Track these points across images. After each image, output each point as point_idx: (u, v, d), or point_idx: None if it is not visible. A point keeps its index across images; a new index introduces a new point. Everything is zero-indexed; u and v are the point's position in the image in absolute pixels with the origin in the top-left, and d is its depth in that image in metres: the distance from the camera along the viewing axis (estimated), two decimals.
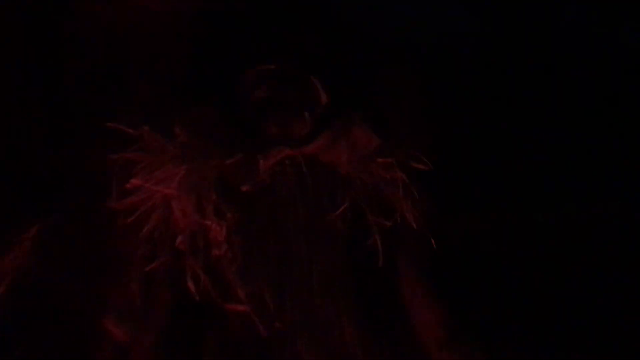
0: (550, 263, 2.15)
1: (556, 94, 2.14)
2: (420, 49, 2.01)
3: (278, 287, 1.83)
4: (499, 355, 1.99)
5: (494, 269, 2.11)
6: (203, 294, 1.72)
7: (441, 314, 1.97)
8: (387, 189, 1.94)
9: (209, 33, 1.82)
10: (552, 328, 2.13)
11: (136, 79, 1.79)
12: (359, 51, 1.90)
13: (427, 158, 1.97)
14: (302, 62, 1.85)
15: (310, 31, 1.84)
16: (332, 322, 1.84)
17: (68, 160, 1.76)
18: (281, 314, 1.80)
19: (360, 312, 1.86)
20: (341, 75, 1.90)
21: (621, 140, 2.26)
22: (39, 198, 1.75)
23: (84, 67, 1.78)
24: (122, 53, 1.79)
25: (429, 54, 2.03)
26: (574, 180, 2.16)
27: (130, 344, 1.75)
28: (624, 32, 2.17)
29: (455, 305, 1.97)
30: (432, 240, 1.93)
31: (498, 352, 1.99)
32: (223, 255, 1.73)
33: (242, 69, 1.82)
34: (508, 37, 2.12)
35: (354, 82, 1.92)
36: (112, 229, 1.73)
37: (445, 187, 2.03)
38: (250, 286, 1.78)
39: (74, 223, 1.76)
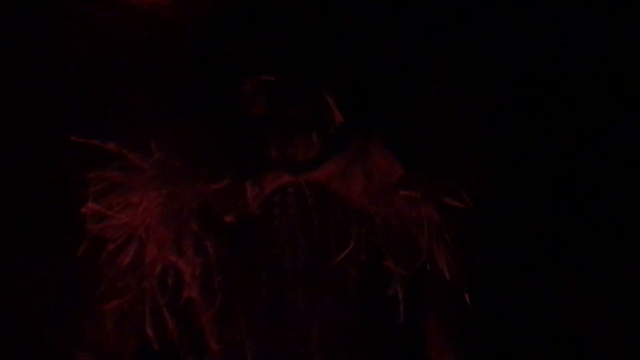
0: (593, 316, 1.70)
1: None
2: (461, 57, 1.64)
3: (264, 344, 1.48)
4: None
5: (540, 335, 1.68)
6: (166, 343, 1.40)
7: None
8: (411, 228, 1.57)
9: (202, 37, 1.54)
10: None
11: (119, 89, 1.52)
12: (381, 60, 1.56)
13: (466, 193, 1.58)
14: (311, 72, 1.52)
15: (321, 35, 1.51)
16: None
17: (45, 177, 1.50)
18: None
19: None
20: (359, 88, 1.56)
21: None
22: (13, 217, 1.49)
23: (68, 76, 1.54)
24: (106, 61, 1.54)
25: (474, 64, 1.66)
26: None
27: None
28: None
29: None
30: (466, 296, 1.53)
31: None
32: (196, 299, 1.40)
33: (238, 79, 1.52)
34: (565, 54, 1.72)
35: (373, 97, 1.58)
36: (87, 255, 1.45)
37: (487, 231, 1.63)
38: (227, 339, 1.44)
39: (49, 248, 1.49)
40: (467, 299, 1.56)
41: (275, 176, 1.50)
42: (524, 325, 1.67)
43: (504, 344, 1.66)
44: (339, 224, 1.55)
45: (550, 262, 1.70)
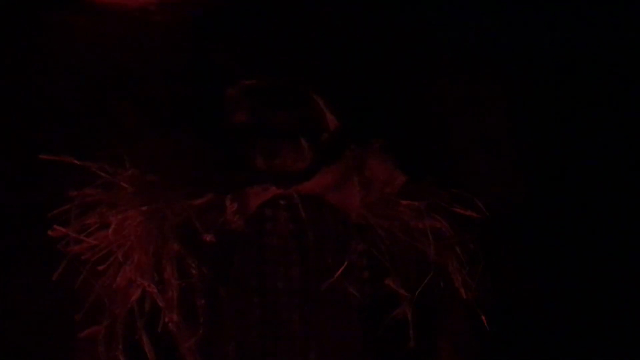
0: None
1: None
2: (468, 56, 1.48)
3: None
4: None
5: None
6: None
7: None
8: (419, 242, 1.40)
9: (186, 42, 1.45)
10: None
11: (97, 100, 1.45)
12: (378, 58, 1.42)
13: (481, 200, 1.41)
14: (299, 74, 1.40)
15: (309, 33, 1.39)
16: None
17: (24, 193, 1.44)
18: None
19: None
20: (354, 90, 1.42)
21: None
22: None
23: (49, 85, 1.48)
24: (81, 72, 1.47)
25: (483, 62, 1.50)
26: None
27: None
28: None
29: None
30: (483, 317, 1.35)
31: None
32: (175, 324, 1.28)
33: (220, 84, 1.41)
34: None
35: (370, 100, 1.43)
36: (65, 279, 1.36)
37: (506, 243, 1.45)
38: None
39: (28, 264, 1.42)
40: (485, 320, 1.36)
41: (261, 189, 1.37)
42: (549, 351, 1.45)
43: None
44: (337, 239, 1.41)
45: (578, 278, 1.48)
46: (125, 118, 1.44)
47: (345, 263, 1.34)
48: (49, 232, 1.29)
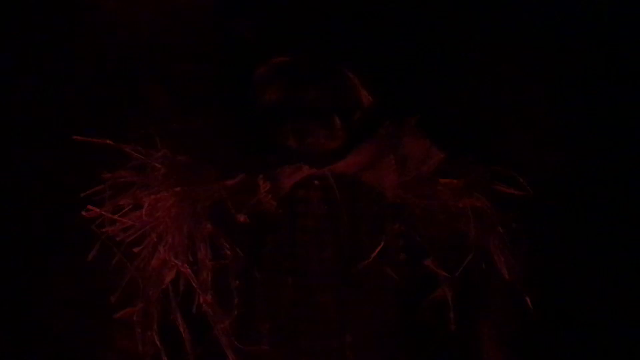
0: None
1: None
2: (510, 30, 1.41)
3: (290, 356, 1.32)
4: None
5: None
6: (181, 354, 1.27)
7: None
8: (458, 222, 1.35)
9: (211, 19, 1.42)
10: None
11: (128, 83, 1.44)
12: (413, 31, 1.37)
13: (524, 178, 1.34)
14: (331, 49, 1.36)
15: (341, 5, 1.35)
16: None
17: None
18: None
19: None
20: (387, 64, 1.37)
21: None
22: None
23: (78, 72, 1.48)
24: (114, 55, 1.46)
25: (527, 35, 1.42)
26: None
27: None
28: None
29: None
30: (527, 299, 1.29)
31: None
32: (210, 305, 1.27)
33: (250, 63, 1.38)
34: None
35: (405, 74, 1.38)
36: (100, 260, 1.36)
37: (551, 222, 1.38)
38: (247, 351, 1.29)
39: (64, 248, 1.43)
40: (529, 302, 1.30)
41: (294, 169, 1.34)
42: (594, 334, 1.38)
43: (570, 355, 1.38)
44: (372, 220, 1.36)
45: (626, 258, 1.39)
46: (156, 99, 1.43)
47: (381, 244, 1.30)
48: (83, 213, 1.29)
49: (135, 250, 1.36)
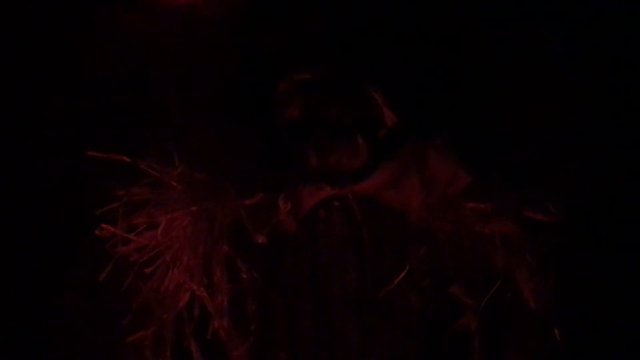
0: None
1: None
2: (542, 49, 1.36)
3: None
4: None
5: None
6: None
7: None
8: (484, 248, 1.30)
9: (236, 35, 1.38)
10: None
11: (146, 97, 1.39)
12: (441, 48, 1.32)
13: (553, 204, 1.29)
14: (355, 67, 1.32)
15: (366, 22, 1.30)
16: None
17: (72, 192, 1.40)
18: None
19: None
20: (413, 82, 1.33)
21: None
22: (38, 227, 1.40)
23: (95, 85, 1.44)
24: (133, 67, 1.42)
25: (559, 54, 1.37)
26: None
27: None
28: None
29: None
30: (556, 330, 1.23)
31: None
32: (226, 330, 1.21)
33: (272, 78, 1.34)
34: None
35: (431, 93, 1.33)
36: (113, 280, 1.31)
37: (580, 251, 1.32)
38: None
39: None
40: (557, 334, 1.25)
41: (315, 189, 1.29)
42: None
43: None
44: (395, 243, 1.31)
45: None
46: (174, 114, 1.38)
47: (407, 269, 1.25)
48: (97, 232, 1.24)
49: (147, 270, 1.31)
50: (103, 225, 1.25)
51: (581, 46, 1.37)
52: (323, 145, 1.32)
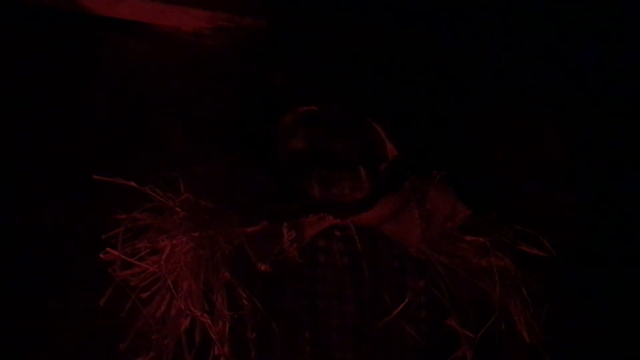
0: None
1: None
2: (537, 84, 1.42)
3: None
4: None
5: None
6: None
7: None
8: (481, 280, 1.33)
9: (241, 67, 1.41)
10: None
11: (151, 124, 1.41)
12: (441, 88, 1.37)
13: (548, 239, 1.33)
14: (358, 101, 1.35)
15: (369, 60, 1.35)
16: None
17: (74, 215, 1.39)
18: None
19: None
20: (414, 118, 1.37)
21: None
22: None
23: (99, 111, 1.45)
24: (138, 95, 1.44)
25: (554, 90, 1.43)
26: None
27: None
28: None
29: None
30: None
31: None
32: (227, 357, 1.21)
33: (277, 110, 1.37)
34: None
35: (431, 129, 1.37)
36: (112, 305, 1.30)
37: (574, 284, 1.36)
38: None
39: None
40: None
41: (317, 219, 1.31)
42: None
43: None
44: (394, 274, 1.33)
45: None
46: (178, 143, 1.40)
47: (406, 300, 1.27)
48: (101, 255, 1.24)
49: (144, 295, 1.31)
50: (108, 249, 1.25)
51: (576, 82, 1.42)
52: (326, 176, 1.35)
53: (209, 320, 1.24)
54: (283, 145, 1.37)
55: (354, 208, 1.34)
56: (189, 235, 1.32)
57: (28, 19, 1.44)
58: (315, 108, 1.35)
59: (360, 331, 1.32)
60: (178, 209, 1.33)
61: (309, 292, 1.33)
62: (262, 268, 1.27)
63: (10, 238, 1.34)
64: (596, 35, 1.50)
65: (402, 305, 1.28)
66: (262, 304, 1.30)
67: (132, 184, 1.27)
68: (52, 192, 1.37)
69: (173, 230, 1.32)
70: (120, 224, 1.31)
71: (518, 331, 1.32)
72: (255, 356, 1.26)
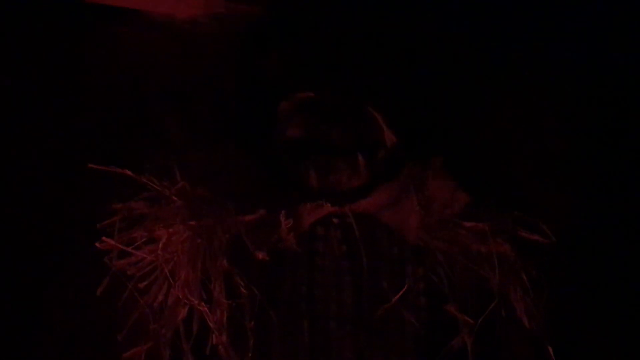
0: None
1: None
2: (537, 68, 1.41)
3: None
4: None
5: None
6: None
7: None
8: (480, 267, 1.32)
9: (237, 53, 1.39)
10: None
11: (147, 112, 1.39)
12: (440, 73, 1.35)
13: (547, 225, 1.32)
14: (357, 88, 1.34)
15: (367, 45, 1.33)
16: None
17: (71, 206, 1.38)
18: None
19: None
20: (413, 104, 1.35)
21: None
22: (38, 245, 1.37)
23: (94, 99, 1.43)
24: (134, 83, 1.42)
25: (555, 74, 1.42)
26: None
27: None
28: None
29: None
30: (550, 349, 1.25)
31: None
32: (226, 348, 1.20)
33: (273, 97, 1.35)
34: None
35: (431, 115, 1.36)
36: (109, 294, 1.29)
37: (573, 270, 1.36)
38: None
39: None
40: (551, 352, 1.27)
41: (315, 207, 1.30)
42: None
43: None
44: (392, 261, 1.32)
45: None
46: (174, 131, 1.38)
47: (405, 288, 1.26)
48: (97, 245, 1.23)
49: (141, 285, 1.30)
50: (104, 238, 1.24)
51: (576, 67, 1.41)
52: (323, 164, 1.33)
53: (206, 309, 1.23)
54: (280, 132, 1.35)
55: (352, 196, 1.33)
56: (186, 224, 1.30)
57: (18, 8, 1.42)
58: (312, 95, 1.33)
59: (359, 319, 1.31)
60: (175, 198, 1.31)
61: (307, 281, 1.32)
62: (260, 256, 1.26)
63: (5, 228, 1.32)
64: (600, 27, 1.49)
65: (401, 293, 1.27)
66: (260, 292, 1.29)
67: (128, 172, 1.26)
68: (47, 182, 1.36)
69: (170, 219, 1.31)
70: (116, 213, 1.30)
71: (518, 317, 1.31)
72: (253, 345, 1.25)
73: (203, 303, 1.25)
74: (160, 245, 1.24)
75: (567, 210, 1.38)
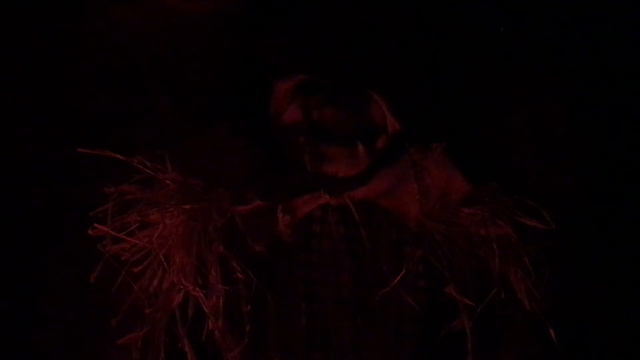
0: None
1: None
2: (540, 53, 1.38)
3: None
4: None
5: None
6: None
7: None
8: (480, 249, 1.30)
9: (232, 32, 1.36)
10: None
11: (140, 94, 1.36)
12: (441, 59, 1.32)
13: (547, 210, 1.30)
14: (358, 71, 1.30)
15: (369, 27, 1.29)
16: None
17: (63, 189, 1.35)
18: None
19: None
20: (414, 89, 1.32)
21: None
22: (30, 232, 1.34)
23: (86, 80, 1.39)
24: (126, 63, 1.38)
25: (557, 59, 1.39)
26: None
27: None
28: None
29: None
30: (551, 330, 1.24)
31: None
32: (221, 331, 1.18)
33: (269, 80, 1.32)
34: None
35: (432, 100, 1.33)
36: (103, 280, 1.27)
37: (573, 253, 1.34)
38: None
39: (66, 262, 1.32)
40: (552, 333, 1.26)
41: (312, 197, 1.27)
42: None
43: None
44: (391, 244, 1.30)
45: None
46: (166, 113, 1.35)
47: (403, 271, 1.24)
48: (89, 231, 1.20)
49: (138, 270, 1.27)
50: (96, 225, 1.21)
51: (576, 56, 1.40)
52: (321, 151, 1.30)
53: (202, 295, 1.21)
54: (276, 116, 1.32)
55: (350, 184, 1.30)
56: (181, 208, 1.28)
57: None
58: (310, 76, 1.30)
59: (357, 302, 1.29)
60: (168, 182, 1.28)
61: (304, 263, 1.30)
62: (257, 249, 1.24)
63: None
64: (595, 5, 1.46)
65: (400, 275, 1.25)
66: (256, 276, 1.26)
67: (119, 156, 1.23)
68: (37, 167, 1.33)
69: (164, 203, 1.28)
70: (108, 198, 1.27)
71: (518, 300, 1.30)
72: (250, 329, 1.23)
73: (198, 288, 1.23)
74: (155, 230, 1.21)
75: (567, 195, 1.37)
